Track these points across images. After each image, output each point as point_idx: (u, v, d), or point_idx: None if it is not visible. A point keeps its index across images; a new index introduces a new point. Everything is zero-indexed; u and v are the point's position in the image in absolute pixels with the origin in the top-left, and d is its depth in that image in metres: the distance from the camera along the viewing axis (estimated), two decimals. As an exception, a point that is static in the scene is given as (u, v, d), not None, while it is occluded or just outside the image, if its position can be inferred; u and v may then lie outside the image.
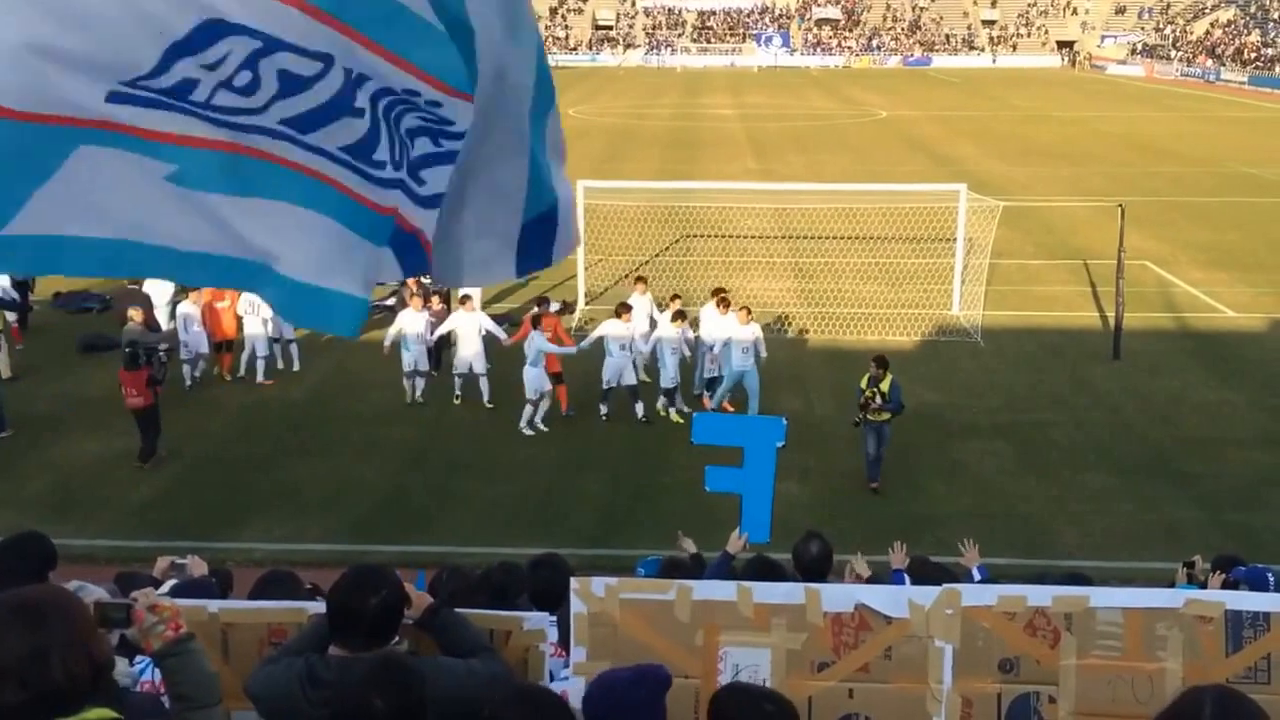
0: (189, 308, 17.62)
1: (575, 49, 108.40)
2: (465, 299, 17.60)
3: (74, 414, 16.74)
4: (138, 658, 4.54)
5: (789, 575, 6.41)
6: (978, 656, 4.30)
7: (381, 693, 3.50)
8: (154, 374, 14.81)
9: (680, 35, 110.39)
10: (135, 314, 16.25)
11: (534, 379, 16.22)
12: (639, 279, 18.99)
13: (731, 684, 4.04)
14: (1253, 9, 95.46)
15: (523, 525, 13.50)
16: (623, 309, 16.77)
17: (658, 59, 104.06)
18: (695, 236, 27.26)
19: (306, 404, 17.72)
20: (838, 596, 4.51)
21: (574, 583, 4.56)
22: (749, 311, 16.77)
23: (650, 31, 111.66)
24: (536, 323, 16.50)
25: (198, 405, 17.35)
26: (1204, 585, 7.88)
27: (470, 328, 17.22)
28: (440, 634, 4.33)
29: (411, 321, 17.32)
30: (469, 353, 17.23)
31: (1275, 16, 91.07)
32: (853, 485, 14.83)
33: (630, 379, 16.66)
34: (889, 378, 14.30)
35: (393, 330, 17.36)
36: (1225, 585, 7.62)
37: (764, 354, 16.83)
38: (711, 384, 17.05)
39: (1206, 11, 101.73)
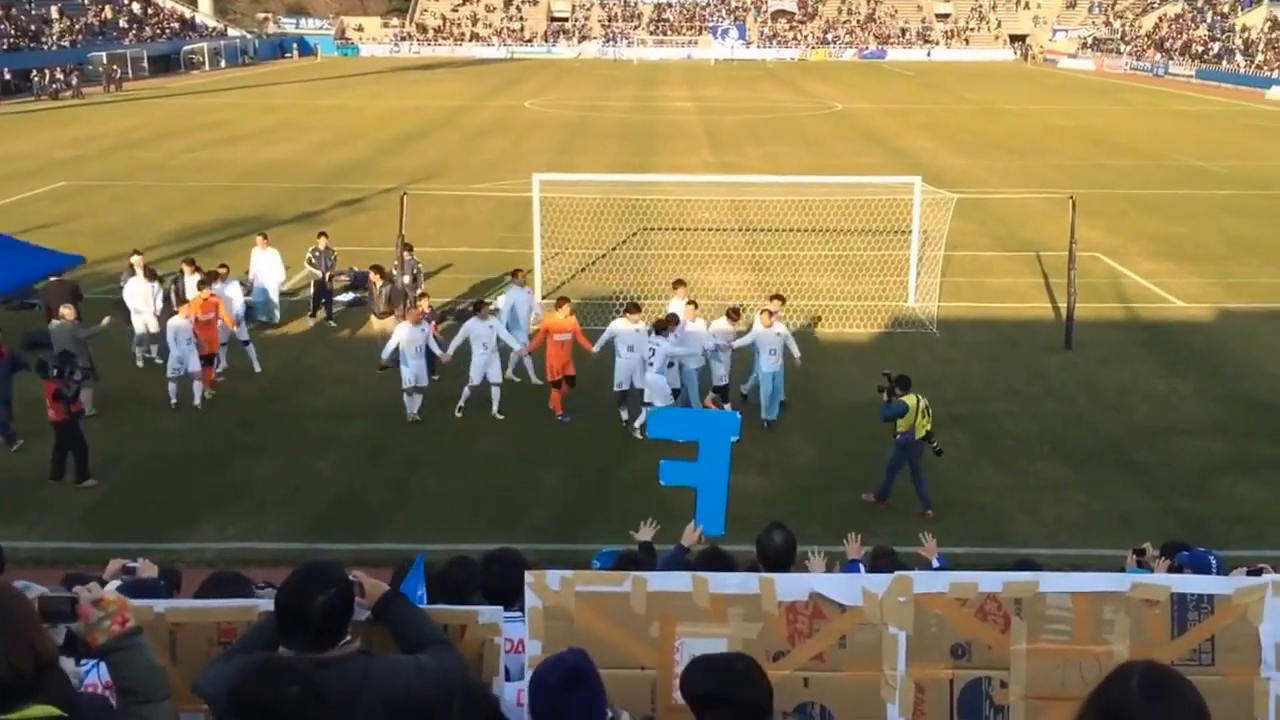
0: (180, 322, 16.77)
1: (530, 41, 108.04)
2: (480, 305, 17.07)
3: (18, 414, 16.45)
4: (84, 660, 4.48)
5: (739, 568, 6.42)
6: (930, 643, 4.34)
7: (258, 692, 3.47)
8: (61, 389, 14.09)
9: (636, 27, 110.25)
10: (67, 311, 15.95)
11: (657, 385, 15.87)
12: (678, 282, 18.14)
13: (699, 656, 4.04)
14: (1199, 4, 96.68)
15: (482, 521, 13.45)
16: (630, 309, 16.46)
17: (614, 51, 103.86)
18: (652, 229, 27.27)
19: (260, 400, 17.54)
20: (792, 586, 4.53)
21: (529, 576, 4.54)
22: (771, 314, 16.48)
23: (606, 24, 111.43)
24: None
25: (147, 403, 17.12)
26: (1153, 571, 7.99)
27: (488, 337, 16.56)
28: (394, 626, 4.27)
29: (410, 335, 16.49)
30: (484, 362, 16.58)
31: (1222, 10, 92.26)
32: (811, 477, 14.91)
33: (641, 382, 16.24)
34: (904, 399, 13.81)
35: (390, 345, 16.66)
36: (1171, 570, 7.73)
37: (797, 354, 16.60)
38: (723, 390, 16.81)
39: (1155, 6, 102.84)
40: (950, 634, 4.31)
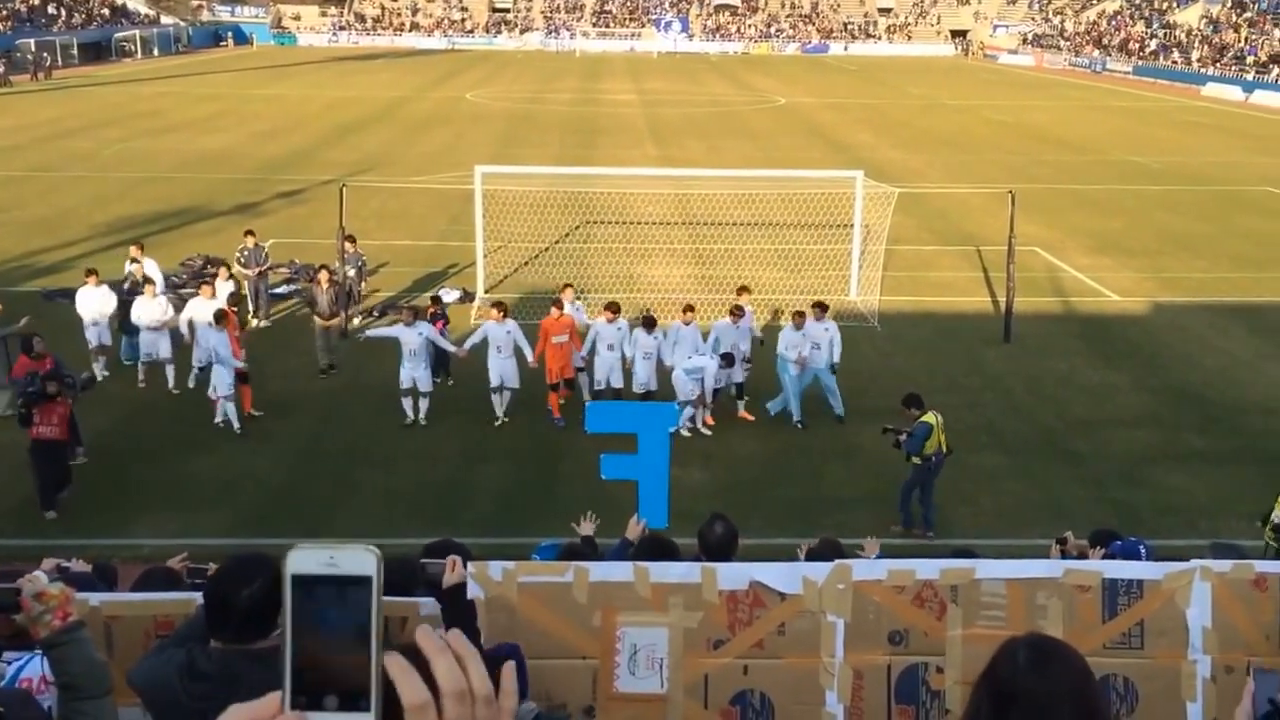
0: (199, 315, 16.26)
1: (472, 32, 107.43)
2: (498, 305, 16.52)
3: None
4: (13, 654, 4.42)
5: (681, 555, 6.45)
6: (868, 629, 4.40)
7: None
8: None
9: (579, 19, 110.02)
10: None
11: (683, 382, 15.67)
12: (742, 289, 17.71)
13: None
14: (1137, 1, 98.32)
15: (424, 516, 13.38)
16: (609, 309, 16.25)
17: (556, 43, 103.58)
18: (595, 223, 27.25)
19: (195, 395, 17.18)
20: (733, 575, 4.57)
21: (470, 567, 4.55)
22: (801, 316, 16.45)
23: (549, 15, 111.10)
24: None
25: (82, 400, 16.77)
26: (1076, 559, 8.15)
27: (504, 340, 16.02)
28: None
29: (409, 337, 15.97)
30: (499, 366, 16.06)
31: (1159, 8, 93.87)
32: (753, 470, 14.99)
33: (619, 381, 16.19)
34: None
35: (380, 331, 16.18)
36: (1104, 558, 7.87)
37: (835, 356, 16.41)
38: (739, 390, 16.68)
39: (1094, 3, 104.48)
40: (888, 621, 4.37)
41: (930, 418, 13.08)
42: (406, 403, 16.15)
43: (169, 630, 4.32)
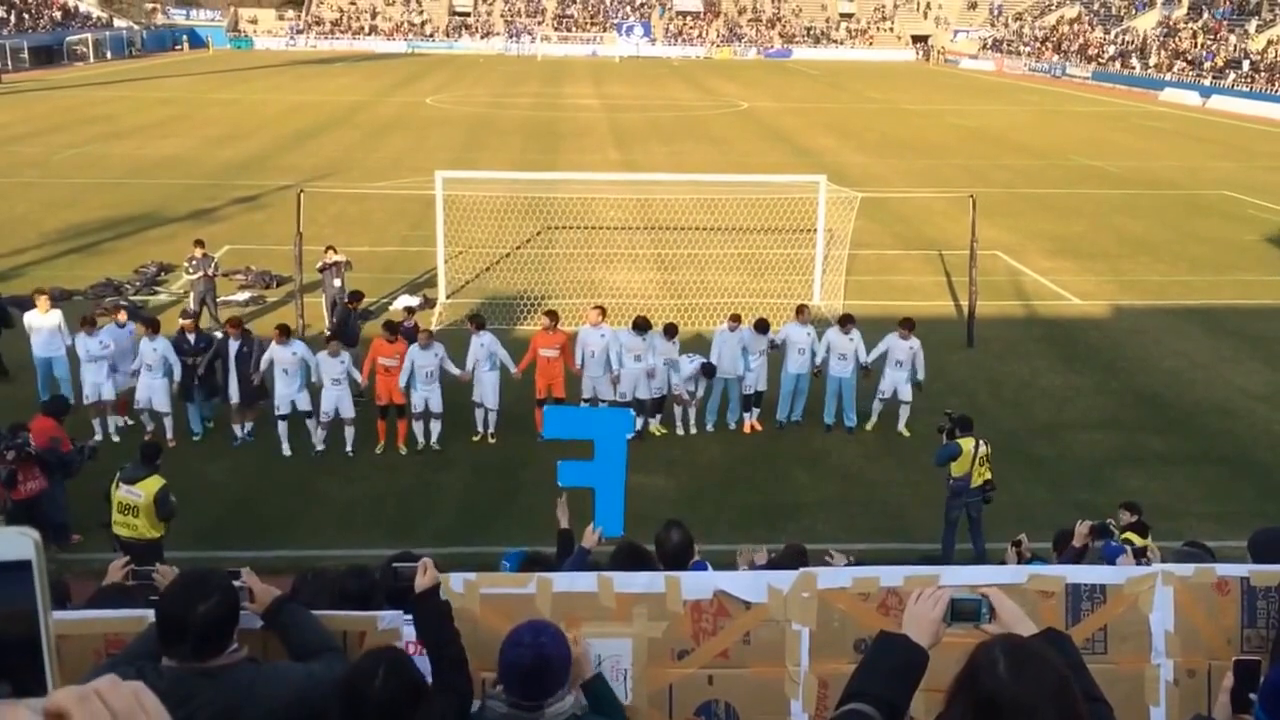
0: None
1: (432, 36, 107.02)
2: (474, 318, 16.13)
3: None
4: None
5: (655, 563, 6.42)
6: (833, 638, 4.36)
7: None
8: None
9: (540, 23, 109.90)
10: None
11: (686, 368, 15.66)
12: (801, 307, 17.08)
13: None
14: (1096, 6, 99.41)
15: (384, 526, 13.27)
16: (638, 324, 15.90)
17: (517, 47, 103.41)
18: (557, 228, 27.18)
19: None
20: (697, 584, 4.53)
21: (432, 579, 4.48)
22: (843, 325, 16.40)
23: (509, 19, 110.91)
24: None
25: (25, 413, 16.51)
26: (1031, 561, 8.19)
27: (480, 354, 15.57)
28: (284, 632, 4.19)
29: (422, 358, 15.31)
30: (480, 381, 15.61)
31: (1116, 13, 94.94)
32: (716, 476, 14.96)
33: (644, 392, 15.86)
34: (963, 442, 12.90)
35: (403, 377, 15.26)
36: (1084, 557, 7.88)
37: (865, 360, 16.25)
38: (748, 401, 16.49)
39: (1053, 8, 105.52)
40: (853, 629, 4.34)
41: (966, 443, 12.73)
42: (418, 426, 15.59)
43: (119, 648, 4.22)
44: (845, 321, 16.45)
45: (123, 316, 16.58)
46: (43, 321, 16.21)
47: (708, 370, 15.87)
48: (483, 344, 15.60)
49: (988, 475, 12.82)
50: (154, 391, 15.23)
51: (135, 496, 11.07)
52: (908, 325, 16.41)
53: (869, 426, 16.55)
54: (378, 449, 15.51)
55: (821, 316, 19.74)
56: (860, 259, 24.55)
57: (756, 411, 16.47)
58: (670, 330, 16.09)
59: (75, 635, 4.25)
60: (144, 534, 11.13)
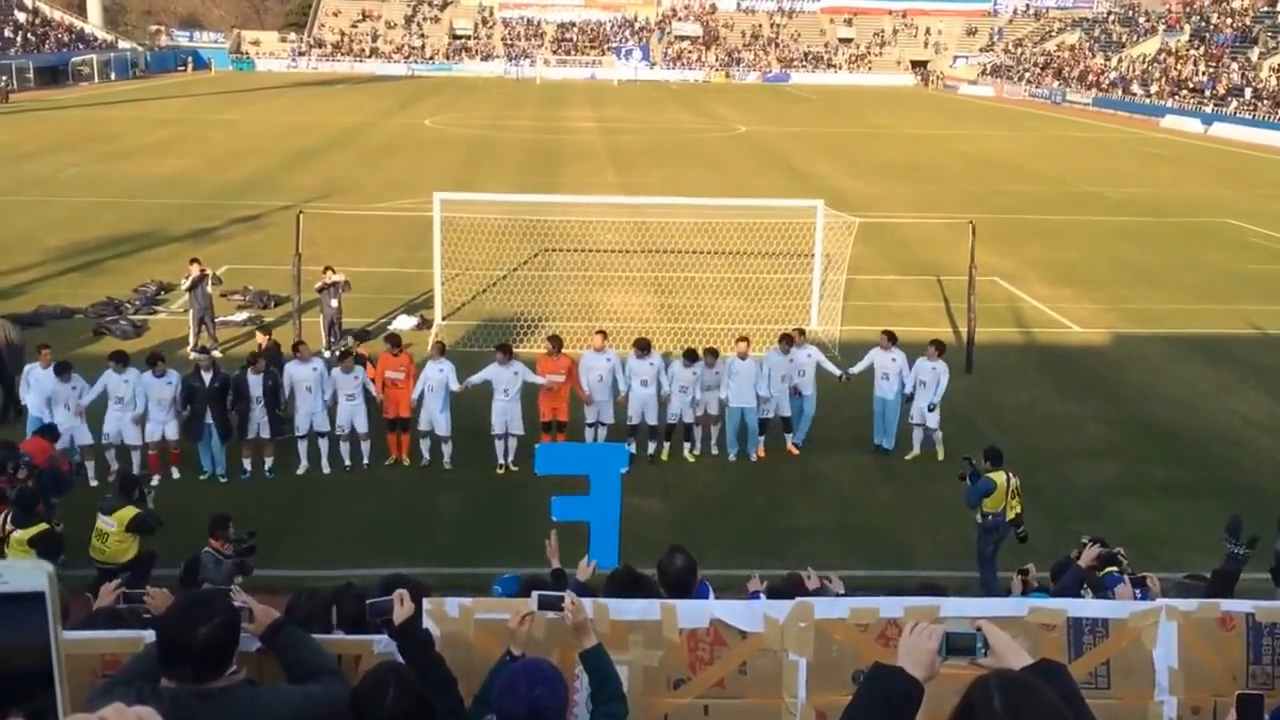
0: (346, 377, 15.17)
1: (432, 58, 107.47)
2: (502, 348, 15.68)
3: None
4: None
5: (656, 589, 6.35)
6: (831, 669, 4.31)
7: None
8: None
9: (539, 46, 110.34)
10: None
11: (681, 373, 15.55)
12: (888, 333, 16.99)
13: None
14: (1096, 33, 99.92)
15: (378, 546, 13.18)
16: (640, 345, 15.80)
17: (517, 70, 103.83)
18: (554, 250, 27.17)
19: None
20: (693, 612, 4.48)
21: (426, 604, 4.48)
22: (892, 338, 16.49)
23: (509, 42, 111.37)
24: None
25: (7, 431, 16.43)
26: (1038, 590, 8.09)
27: (511, 383, 15.33)
28: (283, 654, 4.17)
29: (437, 376, 15.17)
30: (503, 410, 15.32)
31: (1117, 39, 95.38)
32: (712, 501, 14.88)
33: (653, 417, 15.75)
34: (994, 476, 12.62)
35: (416, 389, 15.22)
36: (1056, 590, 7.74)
37: (907, 385, 16.25)
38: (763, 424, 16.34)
39: (1053, 35, 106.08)
40: (851, 660, 4.28)
41: (999, 477, 12.50)
42: (425, 443, 15.54)
43: (116, 669, 4.18)
44: (888, 340, 16.48)
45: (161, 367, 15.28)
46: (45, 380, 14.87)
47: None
48: (516, 372, 15.37)
49: (1018, 509, 12.58)
50: (123, 425, 14.78)
51: (109, 526, 11.51)
52: (938, 347, 16.41)
53: (908, 457, 16.46)
54: (387, 462, 15.60)
55: (818, 340, 19.71)
56: (858, 284, 24.53)
57: (762, 440, 16.37)
58: (690, 356, 15.92)
59: (72, 656, 4.20)
60: (112, 558, 11.46)
